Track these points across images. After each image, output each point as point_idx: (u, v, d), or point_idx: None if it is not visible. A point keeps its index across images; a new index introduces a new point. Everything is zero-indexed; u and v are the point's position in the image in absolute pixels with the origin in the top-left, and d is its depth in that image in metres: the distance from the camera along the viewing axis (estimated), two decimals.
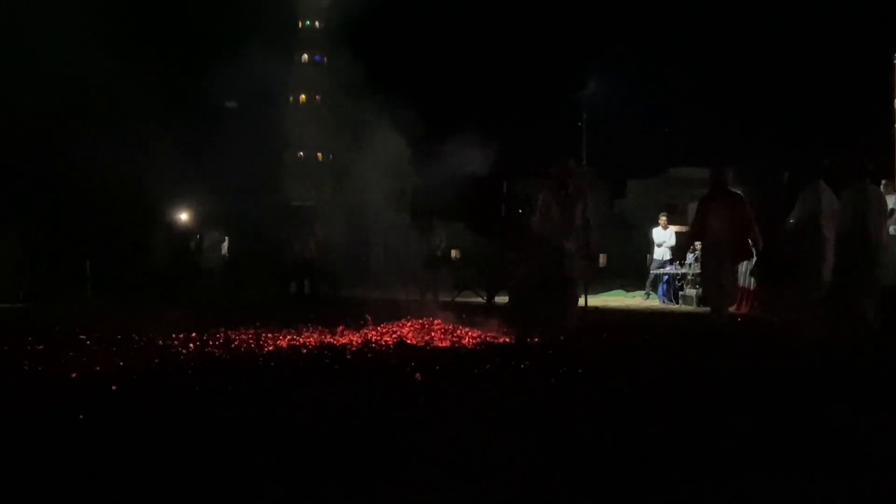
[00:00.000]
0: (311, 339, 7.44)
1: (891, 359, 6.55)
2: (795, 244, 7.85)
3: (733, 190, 8.76)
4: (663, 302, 15.85)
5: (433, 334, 7.73)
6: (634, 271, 19.54)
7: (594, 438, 3.65)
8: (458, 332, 7.87)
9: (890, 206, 12.65)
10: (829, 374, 5.49)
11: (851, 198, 7.49)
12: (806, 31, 78.95)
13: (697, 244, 15.63)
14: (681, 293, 15.52)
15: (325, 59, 50.72)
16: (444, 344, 7.20)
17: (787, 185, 9.02)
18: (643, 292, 17.26)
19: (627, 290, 18.45)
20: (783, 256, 8.14)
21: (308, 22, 52.74)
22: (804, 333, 7.34)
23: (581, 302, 12.21)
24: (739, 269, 11.50)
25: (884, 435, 3.79)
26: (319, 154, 45.43)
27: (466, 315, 9.06)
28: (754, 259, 10.25)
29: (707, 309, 12.79)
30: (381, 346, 6.96)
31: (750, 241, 8.59)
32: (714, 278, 8.91)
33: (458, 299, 14.43)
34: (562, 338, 7.51)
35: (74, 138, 12.47)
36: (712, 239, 8.69)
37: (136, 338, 7.32)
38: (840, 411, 4.23)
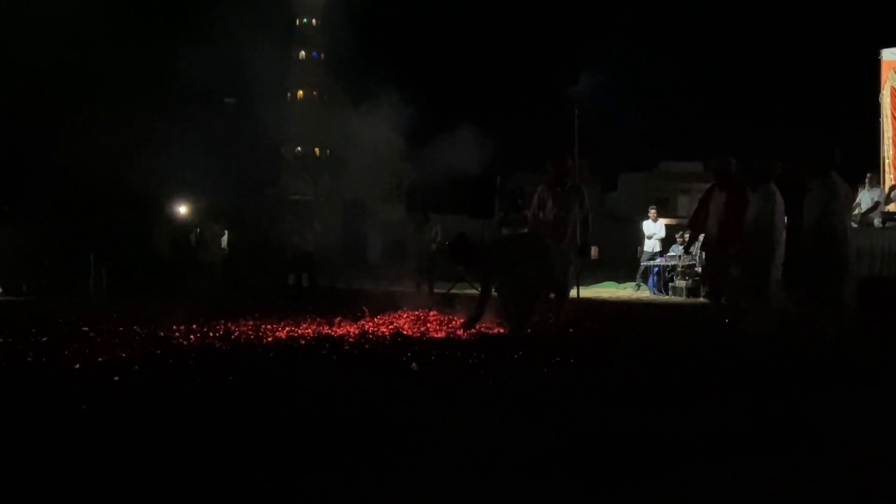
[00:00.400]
0: (310, 330, 7.54)
1: (868, 349, 6.66)
2: (751, 242, 7.86)
3: (737, 180, 8.53)
4: (653, 293, 16.06)
5: (429, 325, 7.84)
6: (625, 263, 19.75)
7: (586, 427, 3.73)
8: (454, 323, 7.96)
9: (875, 198, 12.89)
10: (809, 365, 5.61)
11: (818, 190, 7.52)
12: (794, 27, 79.13)
13: (687, 235, 15.92)
14: (670, 284, 15.75)
15: (322, 55, 50.81)
16: (439, 335, 7.31)
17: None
18: (634, 284, 17.48)
19: (619, 282, 18.67)
20: (741, 254, 8.17)
21: (305, 19, 52.78)
22: (758, 326, 7.46)
23: (573, 294, 12.42)
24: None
25: (861, 424, 3.92)
26: (317, 149, 45.49)
27: (462, 306, 9.20)
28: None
29: (697, 299, 13.03)
30: (378, 336, 7.06)
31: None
32: (711, 270, 8.92)
33: (453, 291, 14.61)
34: (554, 328, 7.70)
35: (76, 132, 12.61)
36: (710, 230, 8.67)
37: (138, 330, 7.43)
38: (820, 401, 4.36)
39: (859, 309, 7.76)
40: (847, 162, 8.02)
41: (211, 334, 7.20)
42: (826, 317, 7.30)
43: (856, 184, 12.91)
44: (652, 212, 17.46)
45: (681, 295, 14.79)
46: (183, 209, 17.24)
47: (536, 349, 6.27)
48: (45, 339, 6.74)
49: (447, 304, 9.48)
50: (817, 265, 7.33)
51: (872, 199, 12.67)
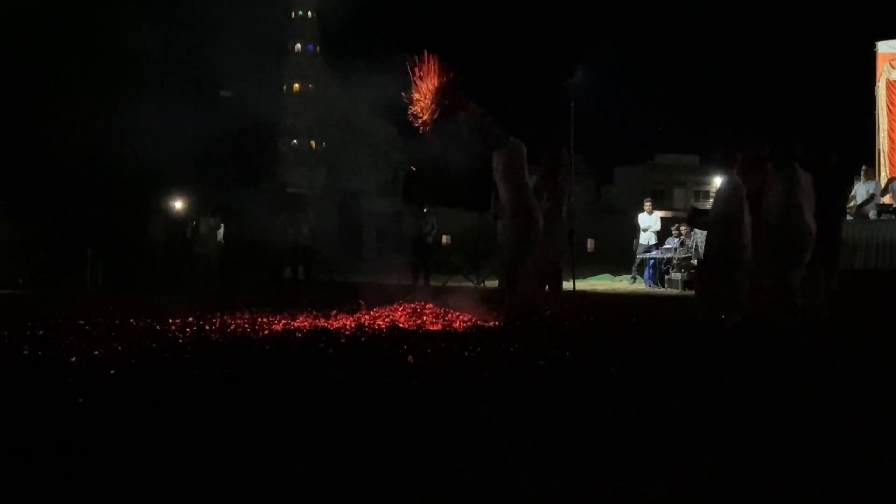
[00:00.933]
0: (306, 323, 7.54)
1: (843, 341, 6.69)
2: (719, 235, 7.83)
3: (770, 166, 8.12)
4: (649, 286, 16.06)
5: (425, 318, 7.83)
6: (621, 256, 19.77)
7: (583, 421, 3.75)
8: (450, 315, 7.97)
9: (871, 191, 12.92)
10: (807, 362, 5.62)
11: (781, 181, 7.56)
12: (790, 20, 79.14)
13: (683, 228, 15.92)
14: (666, 277, 15.76)
15: (318, 48, 50.78)
16: (435, 328, 7.35)
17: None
18: (630, 276, 17.48)
19: (615, 275, 18.67)
20: (707, 247, 8.16)
21: (301, 12, 52.78)
22: (729, 319, 7.49)
23: (569, 286, 12.43)
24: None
25: (841, 417, 3.95)
26: (313, 142, 45.40)
27: (457, 299, 9.24)
28: None
29: (693, 292, 13.00)
30: (375, 330, 7.09)
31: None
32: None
33: (449, 283, 14.63)
34: (549, 318, 7.75)
35: (73, 126, 12.61)
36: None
37: (135, 323, 7.43)
38: (819, 398, 4.38)
39: (857, 302, 7.80)
40: (843, 155, 8.04)
41: (207, 327, 7.20)
42: (784, 303, 7.37)
43: (851, 177, 12.96)
44: (647, 204, 17.49)
45: (677, 287, 14.80)
46: (179, 203, 17.21)
47: (532, 342, 6.31)
48: (41, 332, 6.73)
49: (443, 296, 9.49)
50: (779, 254, 7.38)
51: (868, 191, 12.70)
